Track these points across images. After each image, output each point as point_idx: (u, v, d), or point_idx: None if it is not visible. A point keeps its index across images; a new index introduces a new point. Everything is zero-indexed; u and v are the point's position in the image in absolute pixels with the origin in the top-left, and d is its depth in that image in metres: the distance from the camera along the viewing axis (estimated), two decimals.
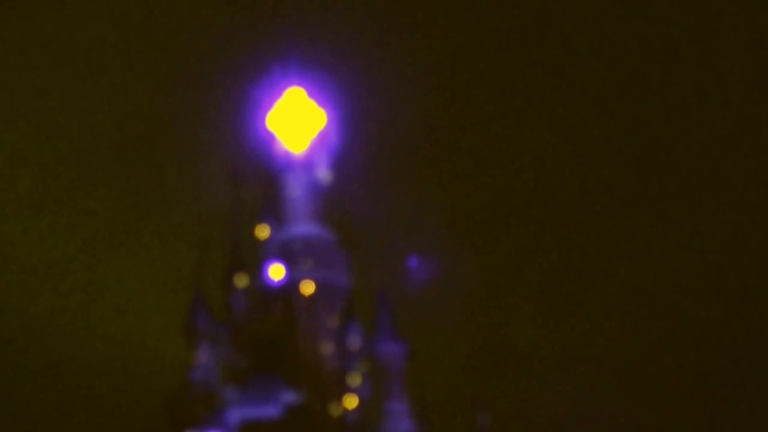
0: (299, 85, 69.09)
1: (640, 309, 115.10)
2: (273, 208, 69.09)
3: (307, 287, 63.19)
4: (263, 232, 68.67)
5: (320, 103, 69.03)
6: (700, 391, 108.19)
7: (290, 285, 63.42)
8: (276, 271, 64.34)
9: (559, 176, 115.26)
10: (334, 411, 61.23)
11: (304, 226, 65.38)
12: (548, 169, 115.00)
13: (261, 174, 70.41)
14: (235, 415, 59.99)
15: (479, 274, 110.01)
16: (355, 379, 64.24)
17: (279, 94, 69.41)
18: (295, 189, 66.78)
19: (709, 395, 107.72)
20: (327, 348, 62.59)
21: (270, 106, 69.35)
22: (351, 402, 63.33)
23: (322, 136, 68.65)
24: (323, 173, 68.67)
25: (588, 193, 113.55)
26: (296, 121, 68.19)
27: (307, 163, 67.21)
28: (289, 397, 60.69)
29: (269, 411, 60.00)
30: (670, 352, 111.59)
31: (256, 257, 69.53)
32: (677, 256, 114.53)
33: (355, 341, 65.89)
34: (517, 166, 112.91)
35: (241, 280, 69.26)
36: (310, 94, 69.07)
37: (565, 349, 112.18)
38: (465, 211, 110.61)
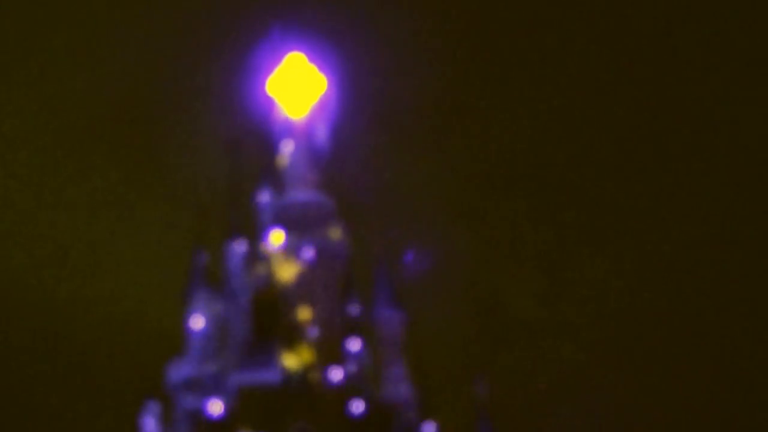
0: (299, 50, 68.81)
1: (640, 277, 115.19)
2: (272, 175, 68.94)
3: (307, 253, 63.12)
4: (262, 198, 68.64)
5: (321, 68, 68.77)
6: (700, 358, 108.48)
7: (289, 251, 63.33)
8: (276, 238, 64.24)
9: (560, 145, 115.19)
10: (333, 377, 61.29)
11: (303, 193, 65.24)
12: (550, 137, 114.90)
13: (260, 140, 70.25)
14: (234, 381, 60.06)
15: (479, 241, 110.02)
16: (353, 346, 64.33)
17: (279, 59, 69.14)
18: (295, 155, 66.59)
19: (710, 362, 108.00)
20: (326, 314, 62.59)
21: (270, 71, 69.11)
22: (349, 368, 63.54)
23: (323, 102, 68.44)
24: (323, 139, 68.48)
25: (588, 161, 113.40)
26: (296, 86, 67.96)
27: (307, 129, 67.01)
28: (288, 362, 60.74)
29: (268, 377, 60.04)
30: (671, 319, 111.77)
31: (255, 224, 69.56)
32: (678, 223, 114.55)
33: (353, 308, 65.97)
34: (518, 133, 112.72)
35: (240, 247, 69.24)
36: (311, 59, 68.80)
37: (564, 317, 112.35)
38: (465, 179, 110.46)
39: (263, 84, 69.38)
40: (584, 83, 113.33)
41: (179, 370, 64.30)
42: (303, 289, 62.74)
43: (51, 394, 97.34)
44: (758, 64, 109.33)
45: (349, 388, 62.44)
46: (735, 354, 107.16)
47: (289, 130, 67.02)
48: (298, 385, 59.23)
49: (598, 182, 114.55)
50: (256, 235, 67.88)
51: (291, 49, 68.83)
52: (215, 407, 60.09)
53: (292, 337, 61.69)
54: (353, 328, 65.36)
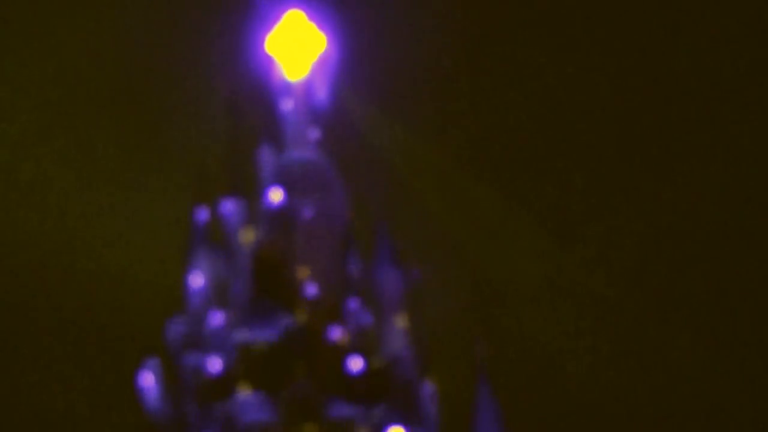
0: (299, 7, 68.39)
1: (645, 240, 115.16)
2: (272, 134, 68.75)
3: (306, 212, 63.05)
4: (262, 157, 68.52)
5: (320, 26, 68.37)
6: (705, 321, 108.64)
7: (289, 210, 63.25)
8: (275, 196, 64.14)
9: (564, 106, 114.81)
10: (332, 335, 61.39)
11: (302, 152, 65.05)
12: (553, 96, 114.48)
13: (259, 99, 69.98)
14: (234, 339, 60.15)
15: (481, 201, 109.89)
16: (353, 305, 64.36)
17: (278, 17, 68.73)
18: (295, 114, 66.38)
19: (715, 327, 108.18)
20: (326, 273, 62.62)
21: (269, 29, 68.72)
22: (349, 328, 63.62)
23: (322, 61, 68.12)
24: (323, 99, 68.24)
25: (591, 121, 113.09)
26: (296, 45, 67.60)
27: (306, 89, 66.75)
28: (288, 321, 60.84)
29: (267, 335, 60.15)
30: (674, 283, 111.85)
31: (255, 183, 69.45)
32: (683, 185, 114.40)
33: (353, 266, 65.95)
34: (521, 93, 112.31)
35: (240, 205, 69.19)
36: (310, 17, 68.40)
37: (567, 280, 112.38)
38: (467, 137, 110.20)
39: (262, 42, 69.06)
40: (589, 49, 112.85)
41: (179, 328, 64.47)
42: (303, 247, 62.71)
43: (50, 351, 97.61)
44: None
45: (349, 347, 62.58)
46: (737, 305, 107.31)
47: (288, 88, 66.76)
48: (298, 343, 59.32)
49: (602, 141, 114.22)
50: (255, 193, 67.86)
51: (290, 7, 68.43)
52: (215, 365, 60.27)
53: (291, 295, 61.76)
54: (353, 286, 65.38)
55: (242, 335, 60.20)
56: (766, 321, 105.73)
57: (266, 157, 67.93)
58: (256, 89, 69.41)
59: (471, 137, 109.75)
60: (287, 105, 66.62)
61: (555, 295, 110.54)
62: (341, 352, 61.42)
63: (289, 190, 63.59)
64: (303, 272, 62.37)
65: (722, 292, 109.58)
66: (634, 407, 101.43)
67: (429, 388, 63.61)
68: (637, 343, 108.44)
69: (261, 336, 60.19)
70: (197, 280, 65.74)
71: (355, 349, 62.88)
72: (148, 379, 62.90)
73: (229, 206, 69.14)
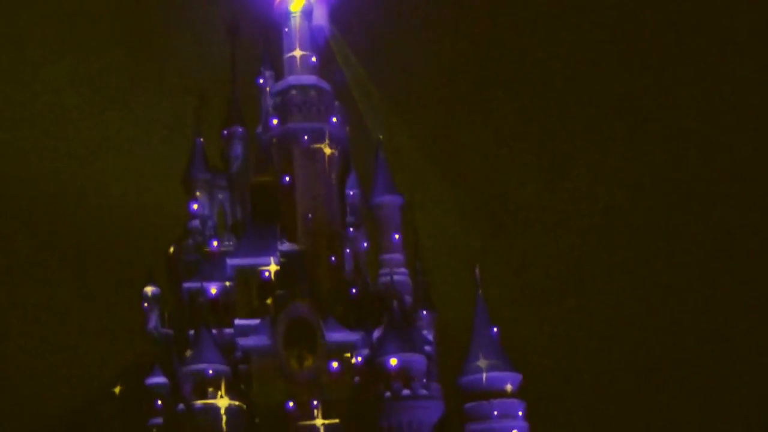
0: None
1: (641, 167, 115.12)
2: (271, 60, 68.61)
3: (305, 138, 63.05)
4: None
5: None
6: (700, 247, 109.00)
7: (287, 135, 63.26)
8: (275, 123, 63.88)
9: (566, 37, 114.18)
10: (331, 262, 61.69)
11: (302, 77, 64.90)
12: (555, 29, 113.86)
13: (260, 25, 69.73)
14: (233, 264, 60.50)
15: (481, 128, 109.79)
16: (351, 231, 64.65)
17: None
18: (295, 40, 66.15)
19: (708, 253, 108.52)
20: (324, 199, 62.79)
21: None
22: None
23: None
24: (323, 24, 67.97)
25: (592, 52, 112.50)
26: None
27: (306, 14, 66.43)
28: (286, 247, 61.10)
29: (266, 261, 60.44)
30: (671, 208, 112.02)
31: (254, 108, 69.43)
32: (682, 116, 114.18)
33: (352, 193, 66.13)
34: (522, 25, 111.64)
35: (240, 132, 69.25)
36: None
37: (564, 206, 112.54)
38: (468, 67, 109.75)
39: None
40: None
41: (180, 253, 64.94)
42: (301, 173, 62.82)
43: (55, 275, 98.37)
44: None
45: (347, 273, 62.99)
46: (729, 233, 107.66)
47: (288, 14, 66.43)
48: (296, 268, 59.64)
49: (601, 72, 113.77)
50: (255, 119, 67.89)
51: None
52: (214, 290, 60.71)
53: (289, 222, 62.00)
54: (352, 213, 65.64)
55: (241, 261, 60.48)
56: (757, 240, 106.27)
57: (267, 82, 67.90)
58: (258, 15, 69.21)
59: (468, 65, 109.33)
60: (288, 31, 66.37)
61: (551, 222, 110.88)
62: (339, 279, 61.87)
63: (288, 114, 63.51)
64: (302, 198, 62.54)
65: (714, 220, 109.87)
66: (627, 329, 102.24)
67: (427, 313, 64.17)
68: (630, 269, 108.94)
69: (259, 262, 60.48)
70: (198, 205, 66.13)
71: (353, 275, 63.40)
72: (151, 304, 63.59)
73: (230, 132, 69.36)
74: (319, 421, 55.36)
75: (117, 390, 62.61)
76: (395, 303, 59.51)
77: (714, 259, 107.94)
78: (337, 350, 58.00)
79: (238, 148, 68.66)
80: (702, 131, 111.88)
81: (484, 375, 59.48)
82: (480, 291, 62.30)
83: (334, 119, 64.06)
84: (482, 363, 59.62)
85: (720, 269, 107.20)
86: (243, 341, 57.81)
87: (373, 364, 57.19)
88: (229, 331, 59.02)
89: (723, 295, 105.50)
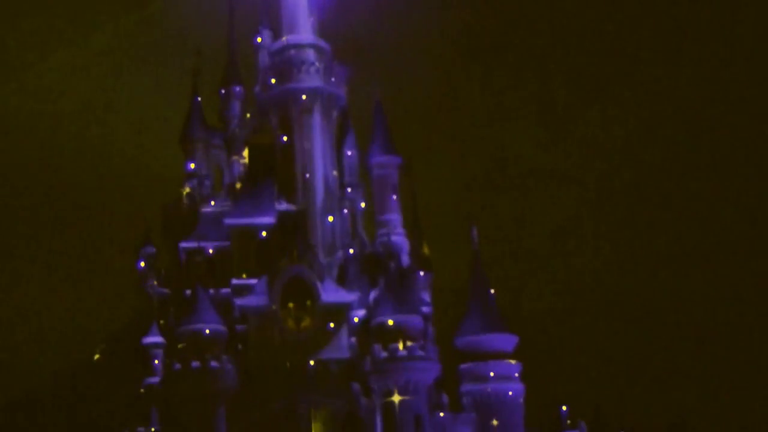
0: None
1: (639, 126, 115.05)
2: (270, 19, 68.15)
3: (303, 97, 62.72)
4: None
5: None
6: (700, 205, 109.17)
7: (285, 95, 62.91)
8: (272, 82, 63.53)
9: None
10: (327, 222, 61.55)
11: (300, 36, 64.47)
12: None
13: None
14: (230, 223, 60.38)
15: (480, 88, 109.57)
16: (349, 191, 64.40)
17: None
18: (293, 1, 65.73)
19: (709, 210, 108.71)
20: (322, 159, 62.58)
21: None
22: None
23: None
24: None
25: (591, 13, 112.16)
26: None
27: None
28: (283, 207, 60.93)
29: (263, 220, 60.34)
30: (669, 165, 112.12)
31: (252, 67, 69.11)
32: (683, 75, 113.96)
33: (350, 153, 65.84)
34: None
35: (238, 91, 68.96)
36: None
37: (563, 166, 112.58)
38: (468, 26, 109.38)
39: None
40: None
41: (177, 213, 64.81)
42: (299, 133, 62.57)
43: (52, 234, 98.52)
44: None
45: (344, 233, 62.86)
46: (730, 191, 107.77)
47: None
48: (292, 228, 59.51)
49: (602, 32, 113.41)
50: (253, 79, 67.54)
51: None
52: (211, 250, 60.64)
53: (287, 181, 61.82)
54: (349, 173, 65.38)
55: (238, 220, 60.36)
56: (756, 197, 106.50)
57: (265, 42, 67.50)
58: None
59: (468, 25, 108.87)
60: None
61: (550, 182, 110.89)
62: (336, 239, 61.75)
63: (286, 73, 63.15)
64: (299, 158, 62.32)
65: (714, 176, 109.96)
66: (625, 290, 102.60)
67: (424, 274, 64.14)
68: (630, 229, 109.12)
69: (256, 221, 60.37)
70: (195, 165, 65.96)
71: (350, 236, 63.26)
72: (146, 263, 63.52)
73: (227, 91, 69.05)
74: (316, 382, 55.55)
75: (100, 351, 62.73)
76: (392, 264, 59.45)
77: (716, 218, 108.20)
78: (334, 310, 58.08)
79: (235, 108, 68.45)
80: (701, 86, 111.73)
81: (481, 336, 59.68)
82: (477, 252, 62.42)
83: (333, 79, 63.68)
84: (479, 324, 59.84)
85: (721, 226, 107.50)
86: (240, 301, 57.79)
87: (370, 325, 57.20)
88: (226, 291, 59.02)
89: (724, 253, 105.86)
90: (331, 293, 57.98)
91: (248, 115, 66.89)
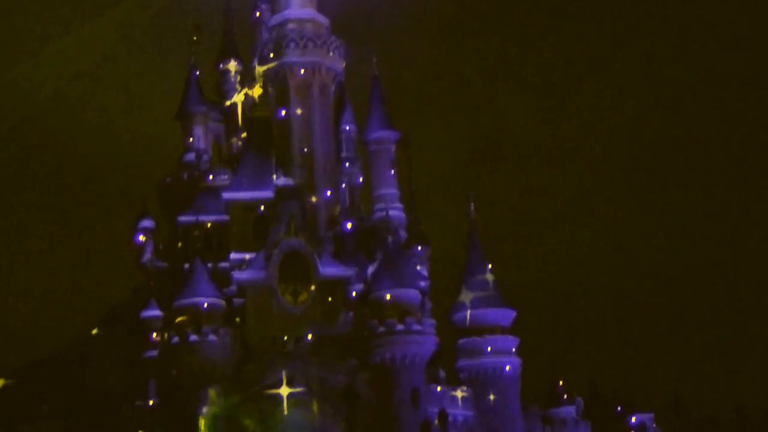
0: None
1: (638, 103, 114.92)
2: None
3: (301, 71, 62.60)
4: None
5: None
6: (700, 180, 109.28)
7: (283, 69, 62.81)
8: (270, 55, 63.36)
9: None
10: (325, 196, 61.60)
11: (298, 10, 64.28)
12: None
13: None
14: (227, 197, 60.44)
15: (478, 63, 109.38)
16: (346, 165, 64.48)
17: None
18: None
19: (709, 184, 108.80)
20: (320, 133, 62.56)
21: None
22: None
23: None
24: None
25: None
26: None
27: None
28: (281, 181, 60.95)
29: (261, 194, 60.37)
30: (666, 143, 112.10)
31: (250, 41, 68.98)
32: (682, 48, 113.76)
33: (347, 127, 65.87)
34: None
35: (236, 65, 68.91)
36: None
37: (562, 139, 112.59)
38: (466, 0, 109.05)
39: None
40: None
41: (175, 186, 64.87)
42: (296, 107, 62.53)
43: (50, 207, 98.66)
44: None
45: (341, 207, 62.95)
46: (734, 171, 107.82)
47: None
48: (291, 203, 59.56)
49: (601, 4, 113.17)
50: (251, 52, 67.43)
51: None
52: (209, 224, 60.73)
53: (284, 156, 61.82)
54: (346, 148, 65.43)
55: (236, 194, 60.41)
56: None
57: (263, 15, 67.38)
58: None
59: None
60: None
61: (548, 156, 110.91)
62: (334, 213, 61.83)
63: (284, 48, 63.01)
64: (297, 132, 62.30)
65: (716, 151, 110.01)
66: (622, 263, 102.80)
67: (421, 248, 64.27)
68: (628, 201, 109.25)
69: (255, 196, 60.43)
70: (193, 138, 65.99)
71: (347, 209, 63.36)
72: (144, 236, 63.61)
73: (225, 65, 69.00)
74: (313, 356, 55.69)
75: (98, 326, 62.85)
76: (390, 238, 59.56)
77: (715, 193, 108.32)
78: (332, 285, 58.20)
79: (233, 81, 68.40)
80: (704, 60, 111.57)
81: (478, 311, 59.85)
82: (474, 227, 62.55)
83: (331, 53, 63.55)
84: (476, 299, 59.97)
85: (721, 201, 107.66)
86: (238, 275, 57.90)
87: (367, 299, 57.35)
88: (224, 264, 59.14)
89: (723, 228, 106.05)
90: (328, 267, 58.10)
91: (246, 90, 66.85)
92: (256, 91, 65.40)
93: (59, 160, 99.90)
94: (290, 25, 63.59)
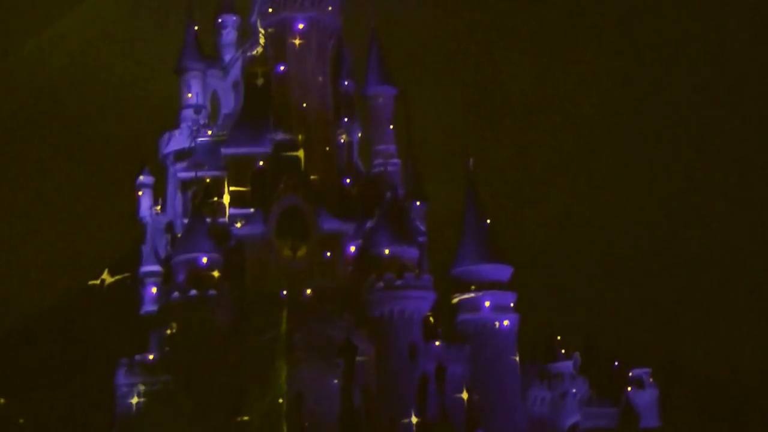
0: None
1: (638, 59, 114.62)
2: None
3: (299, 27, 62.38)
4: None
5: None
6: (697, 139, 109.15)
7: (281, 24, 62.53)
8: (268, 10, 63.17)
9: None
10: (323, 151, 61.56)
11: None
12: None
13: None
14: (225, 153, 60.35)
15: (477, 17, 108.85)
16: (344, 121, 64.34)
17: None
18: None
19: (706, 145, 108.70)
20: (317, 89, 62.41)
21: None
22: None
23: None
24: None
25: None
26: None
27: None
28: (279, 136, 60.83)
29: (258, 150, 60.28)
30: (668, 99, 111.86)
31: None
32: (681, 8, 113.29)
33: (345, 83, 65.66)
34: None
35: (233, 21, 68.59)
36: None
37: (561, 97, 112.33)
38: None
39: None
40: None
41: (172, 142, 64.74)
42: (295, 63, 62.34)
43: (48, 160, 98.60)
44: None
45: (340, 163, 62.90)
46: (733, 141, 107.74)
47: None
48: (288, 159, 59.51)
49: None
50: (249, 8, 67.07)
51: None
52: (208, 179, 60.64)
53: (283, 111, 61.68)
54: (345, 103, 65.25)
55: (233, 150, 60.31)
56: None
57: None
58: None
59: None
60: None
61: (547, 113, 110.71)
62: (332, 169, 61.77)
63: (283, 4, 62.73)
64: (295, 88, 62.13)
65: (714, 112, 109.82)
66: (620, 222, 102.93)
67: (419, 204, 64.32)
68: (627, 160, 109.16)
69: (251, 151, 60.31)
70: (190, 94, 65.73)
71: (345, 166, 63.34)
72: (143, 191, 63.64)
73: (222, 21, 68.65)
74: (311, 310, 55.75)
75: (107, 277, 62.92)
76: (388, 193, 59.41)
77: (713, 153, 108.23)
78: (330, 240, 58.26)
79: (231, 37, 68.14)
80: (702, 21, 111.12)
81: (476, 266, 59.88)
82: (472, 182, 62.41)
83: (329, 8, 63.25)
84: (473, 254, 59.97)
85: (718, 161, 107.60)
86: (236, 230, 57.94)
87: (366, 254, 57.44)
88: (222, 220, 59.17)
89: (721, 188, 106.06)
90: (327, 223, 58.10)
91: (245, 45, 66.56)
92: (255, 47, 65.11)
93: (58, 115, 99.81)
94: None
